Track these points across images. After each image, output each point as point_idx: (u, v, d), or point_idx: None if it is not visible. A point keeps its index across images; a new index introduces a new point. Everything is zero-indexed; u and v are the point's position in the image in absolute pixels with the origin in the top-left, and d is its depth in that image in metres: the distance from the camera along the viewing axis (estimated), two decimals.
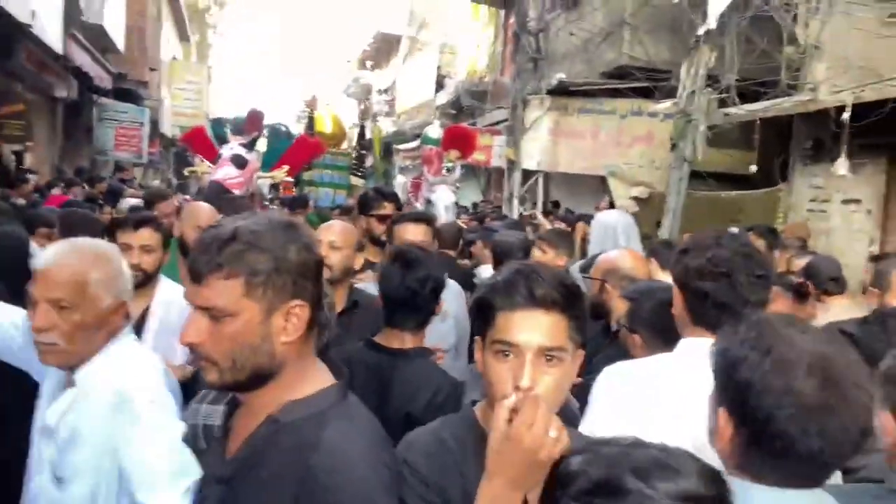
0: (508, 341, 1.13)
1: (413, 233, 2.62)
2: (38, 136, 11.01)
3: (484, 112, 14.32)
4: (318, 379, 1.17)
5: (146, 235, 2.40)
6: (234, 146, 4.36)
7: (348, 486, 1.06)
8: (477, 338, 1.21)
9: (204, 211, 3.12)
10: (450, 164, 5.95)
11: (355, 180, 10.95)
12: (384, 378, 1.76)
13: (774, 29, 6.65)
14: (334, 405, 1.13)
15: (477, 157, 12.72)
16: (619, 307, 1.81)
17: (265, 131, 5.48)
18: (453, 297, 2.71)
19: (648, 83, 8.41)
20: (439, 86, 18.71)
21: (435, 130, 7.95)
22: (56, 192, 6.75)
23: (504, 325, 1.14)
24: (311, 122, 13.23)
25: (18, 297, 2.06)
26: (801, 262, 3.84)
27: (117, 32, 12.77)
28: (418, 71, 21.59)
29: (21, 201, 6.15)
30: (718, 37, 5.92)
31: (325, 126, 13.30)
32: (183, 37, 24.52)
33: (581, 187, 10.50)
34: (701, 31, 5.62)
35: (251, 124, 5.01)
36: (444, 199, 4.97)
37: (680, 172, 6.10)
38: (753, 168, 6.47)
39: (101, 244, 1.61)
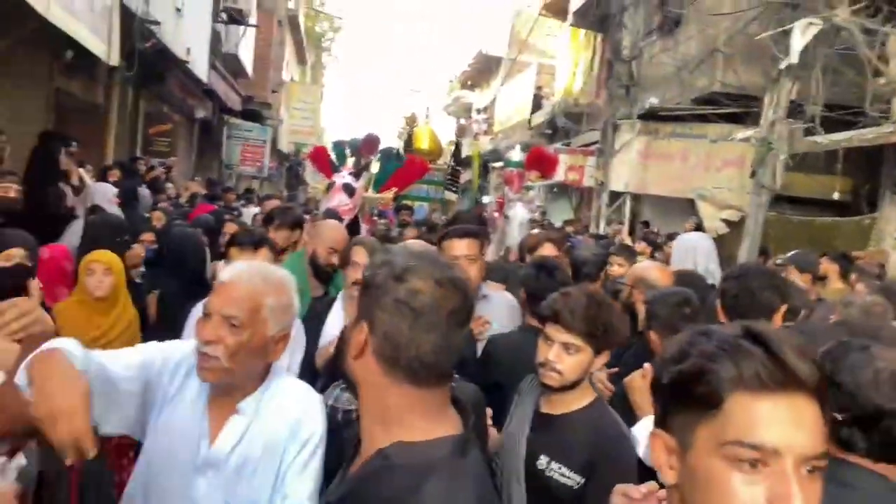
0: (759, 444, 0.78)
1: (458, 248, 2.55)
2: (180, 152, 12.63)
3: (578, 133, 14.73)
4: (435, 426, 1.06)
5: (264, 255, 2.66)
6: (345, 175, 5.02)
7: None
8: (659, 430, 0.89)
9: (335, 230, 3.35)
10: (530, 184, 6.51)
11: (449, 195, 11.68)
12: None
13: (862, 60, 6.76)
14: (447, 459, 1.03)
15: (570, 176, 13.20)
16: (642, 311, 2.34)
17: (378, 154, 6.18)
18: (506, 309, 2.85)
19: (739, 109, 8.60)
20: (536, 106, 19.22)
21: (517, 154, 8.54)
22: (201, 202, 7.90)
23: (747, 417, 0.79)
24: (409, 137, 14.11)
25: (193, 296, 2.58)
26: (861, 287, 4.11)
27: (247, 59, 14.34)
28: (516, 91, 22.22)
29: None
30: (802, 69, 6.16)
31: (422, 142, 14.13)
32: (301, 60, 26.54)
33: (672, 209, 10.70)
34: (783, 66, 5.90)
35: (367, 148, 5.78)
36: (519, 216, 5.47)
37: (759, 198, 6.35)
38: (836, 195, 6.59)
39: (283, 273, 1.61)
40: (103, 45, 4.84)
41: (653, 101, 10.15)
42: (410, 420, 1.05)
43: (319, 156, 6.08)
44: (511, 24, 24.86)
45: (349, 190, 4.83)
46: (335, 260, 3.05)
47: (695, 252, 4.77)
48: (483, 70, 28.86)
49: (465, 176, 17.96)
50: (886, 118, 6.46)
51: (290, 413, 1.54)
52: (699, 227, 8.79)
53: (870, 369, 1.29)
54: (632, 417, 1.93)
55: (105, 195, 5.55)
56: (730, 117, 9.18)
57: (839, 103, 6.92)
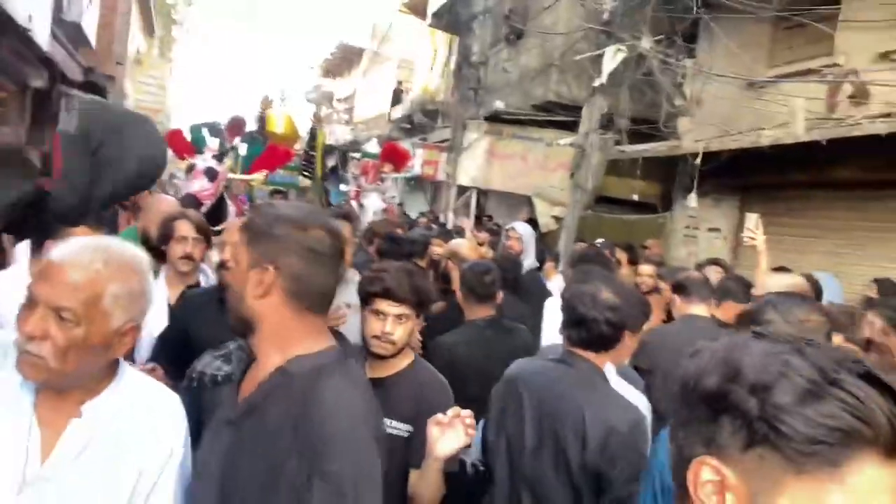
0: None
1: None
2: (10, 122, 11.65)
3: (434, 129, 15.52)
4: (322, 341, 1.28)
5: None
6: (207, 158, 5.13)
7: (337, 435, 1.16)
8: (713, 462, 0.68)
9: (168, 205, 3.38)
10: (384, 176, 7.07)
11: (304, 181, 11.89)
12: None
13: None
14: (335, 363, 1.26)
15: (426, 170, 13.93)
16: (455, 277, 3.00)
17: (244, 137, 6.27)
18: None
19: (569, 118, 9.76)
20: (396, 100, 19.80)
21: (373, 146, 9.04)
22: None
23: (874, 489, 0.63)
24: (262, 120, 14.06)
25: None
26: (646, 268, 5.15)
27: (90, 29, 13.47)
28: (377, 83, 22.67)
29: None
30: (612, 88, 7.28)
31: (276, 126, 14.12)
32: (149, 32, 25.00)
33: (513, 204, 11.77)
34: (596, 84, 6.96)
35: (233, 130, 5.93)
36: (373, 205, 6.00)
37: (576, 197, 7.42)
38: (636, 197, 7.85)
39: (132, 252, 1.31)
40: None
41: (498, 104, 11.11)
42: (306, 340, 1.26)
43: (176, 138, 6.16)
44: (373, 17, 25.20)
45: (211, 174, 4.95)
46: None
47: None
48: (344, 60, 28.95)
49: (330, 162, 18.12)
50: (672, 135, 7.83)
51: (144, 421, 1.30)
52: (532, 221, 9.89)
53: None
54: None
55: None
56: (563, 124, 10.36)
57: (644, 118, 8.21)
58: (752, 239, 4.22)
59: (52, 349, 1.17)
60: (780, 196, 6.82)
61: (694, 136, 7.11)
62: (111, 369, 1.31)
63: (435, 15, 15.10)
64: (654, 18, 7.38)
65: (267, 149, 6.65)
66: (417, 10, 17.58)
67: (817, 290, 3.80)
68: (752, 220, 4.29)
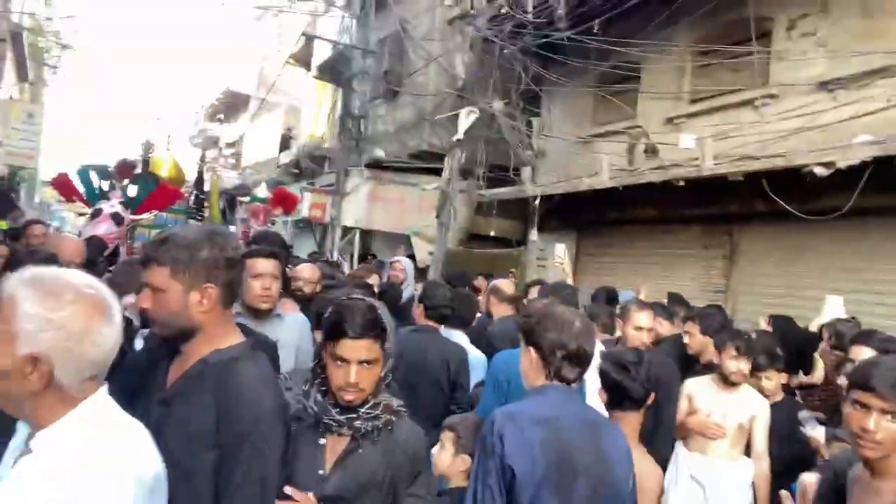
0: None
1: (264, 266, 2.88)
2: None
3: (321, 174, 16.40)
4: (235, 338, 1.65)
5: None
6: (114, 203, 5.68)
7: (249, 406, 1.52)
8: None
9: (76, 243, 3.77)
10: (274, 219, 7.85)
11: (192, 223, 12.32)
12: None
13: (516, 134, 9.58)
14: (245, 354, 1.62)
15: (314, 213, 14.73)
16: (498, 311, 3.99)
17: (134, 178, 6.63)
18: (298, 328, 3.14)
19: (439, 165, 11.07)
20: (284, 145, 20.47)
21: (262, 191, 9.80)
22: None
23: None
24: (146, 164, 14.30)
25: None
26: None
27: None
28: (265, 129, 23.21)
29: None
30: (469, 142, 8.62)
31: (162, 170, 14.39)
32: (22, 77, 24.25)
33: (395, 243, 12.85)
34: (454, 139, 8.27)
35: (123, 173, 6.41)
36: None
37: (441, 235, 8.63)
38: (492, 233, 9.19)
39: (75, 277, 1.22)
40: None
41: (379, 152, 12.27)
42: (225, 335, 1.62)
43: (65, 184, 6.56)
44: (260, 66, 25.80)
45: (117, 219, 5.49)
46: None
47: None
48: (231, 105, 29.19)
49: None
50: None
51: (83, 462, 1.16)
52: (411, 257, 11.02)
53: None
54: None
55: None
56: (435, 171, 11.63)
57: (501, 165, 9.62)
58: (561, 264, 5.52)
59: None
60: (601, 231, 8.38)
61: (538, 182, 8.56)
62: (64, 403, 1.19)
63: (319, 68, 16.18)
64: (503, 85, 8.84)
65: (159, 187, 7.00)
66: (303, 61, 18.55)
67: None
68: (560, 249, 5.61)
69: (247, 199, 18.16)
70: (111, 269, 5.28)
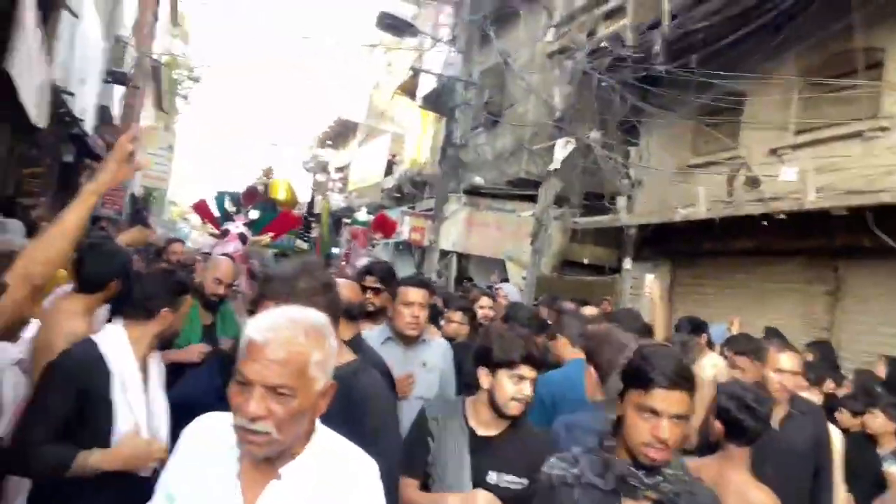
0: None
1: (413, 295, 3.10)
2: (40, 192, 13.08)
3: (422, 198, 17.08)
4: (349, 356, 2.01)
5: None
6: (239, 225, 6.35)
7: (376, 406, 1.91)
8: None
9: (224, 264, 3.85)
10: (374, 242, 8.39)
11: (300, 244, 13.26)
12: None
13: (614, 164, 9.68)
14: (362, 368, 2.01)
15: (413, 236, 15.39)
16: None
17: (256, 204, 7.34)
18: (441, 352, 3.35)
19: (537, 192, 11.32)
20: (388, 171, 21.47)
21: (363, 215, 10.39)
22: None
23: None
24: (265, 188, 15.51)
25: None
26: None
27: (116, 108, 15.15)
28: (371, 155, 24.38)
29: None
30: (566, 170, 8.84)
31: (278, 192, 15.58)
32: (158, 106, 26.93)
33: (490, 267, 13.20)
34: (550, 168, 8.52)
35: (248, 198, 7.11)
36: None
37: (534, 261, 8.85)
38: (586, 260, 9.29)
39: (318, 317, 1.37)
40: (36, 109, 6.09)
41: (478, 179, 12.70)
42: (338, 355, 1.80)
43: (202, 208, 7.38)
44: (369, 95, 27.20)
45: (243, 238, 6.17)
46: (221, 290, 3.71)
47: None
48: (341, 132, 30.91)
49: (317, 230, 19.57)
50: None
51: (344, 484, 1.36)
52: (505, 281, 11.29)
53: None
54: None
55: (16, 228, 6.61)
56: (532, 197, 11.90)
57: (597, 192, 9.74)
58: (650, 294, 5.59)
59: (275, 424, 1.24)
60: (696, 261, 8.28)
61: (635, 211, 8.62)
62: (307, 432, 1.36)
63: (424, 98, 16.94)
64: (601, 116, 9.01)
65: (280, 215, 7.68)
66: (409, 92, 19.47)
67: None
68: (650, 280, 5.67)
69: (350, 220, 19.21)
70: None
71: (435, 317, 4.38)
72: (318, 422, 1.39)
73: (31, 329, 2.49)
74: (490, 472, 2.13)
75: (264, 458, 1.30)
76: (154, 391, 2.26)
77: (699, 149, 8.81)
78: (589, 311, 6.83)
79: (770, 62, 7.28)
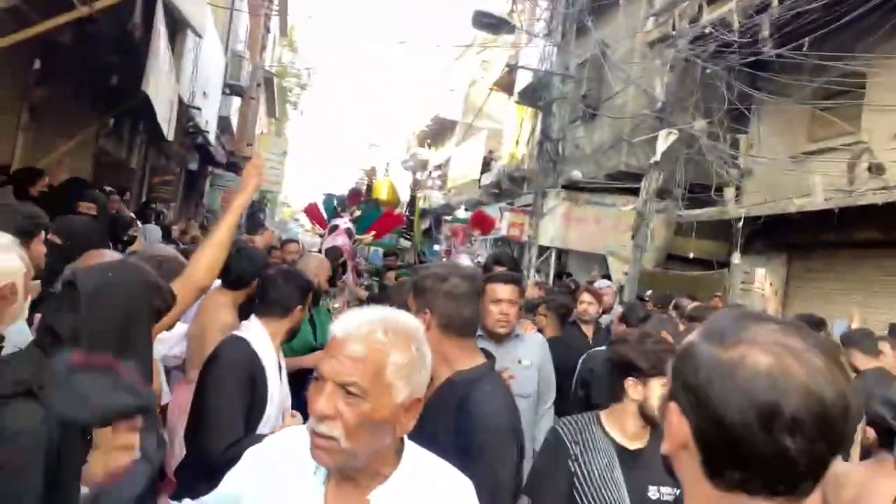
0: None
1: (503, 292, 2.98)
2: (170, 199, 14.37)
3: (520, 194, 17.10)
4: (476, 359, 1.92)
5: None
6: (346, 222, 6.87)
7: (486, 421, 1.76)
8: None
9: (319, 260, 4.27)
10: (473, 239, 8.57)
11: (403, 243, 13.67)
12: None
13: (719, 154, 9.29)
14: (486, 374, 1.90)
15: (512, 232, 15.46)
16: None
17: (360, 204, 7.86)
18: (537, 347, 3.36)
19: (638, 185, 11.06)
20: (486, 167, 21.61)
21: (462, 213, 10.62)
22: None
23: None
24: (369, 188, 16.14)
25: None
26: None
27: (234, 118, 16.32)
28: (469, 152, 24.64)
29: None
30: (668, 162, 8.59)
31: (381, 193, 16.17)
32: (271, 114, 28.57)
33: (590, 262, 13.02)
34: (651, 160, 8.31)
35: (352, 199, 7.64)
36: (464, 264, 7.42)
37: (636, 256, 8.67)
38: (691, 255, 8.97)
39: (408, 319, 1.26)
40: (167, 125, 6.76)
41: (576, 174, 12.57)
42: (461, 358, 1.87)
43: (313, 211, 7.99)
44: (466, 92, 27.47)
45: (350, 233, 6.63)
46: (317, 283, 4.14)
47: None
48: (439, 131, 31.45)
49: (424, 225, 20.01)
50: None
51: None
52: (606, 277, 11.12)
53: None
54: None
55: (154, 234, 7.37)
56: (632, 190, 11.62)
57: (702, 183, 9.38)
58: (761, 289, 5.39)
59: (343, 427, 1.13)
60: (814, 254, 7.79)
61: (746, 202, 8.24)
62: (397, 451, 1.25)
63: (520, 94, 16.93)
64: (705, 105, 8.69)
65: (384, 214, 8.13)
66: (505, 88, 19.49)
67: None
68: (760, 274, 5.47)
69: (449, 218, 19.53)
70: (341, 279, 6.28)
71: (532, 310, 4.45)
72: (407, 440, 1.29)
73: (181, 327, 2.86)
74: (650, 487, 2.04)
75: (338, 470, 1.19)
76: (284, 382, 2.51)
77: (815, 135, 8.29)
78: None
79: (892, 40, 6.73)
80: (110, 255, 2.70)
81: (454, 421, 1.78)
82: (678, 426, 0.83)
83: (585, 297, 4.87)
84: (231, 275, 3.02)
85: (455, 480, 1.32)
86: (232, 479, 1.29)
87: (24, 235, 2.39)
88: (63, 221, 3.79)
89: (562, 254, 13.48)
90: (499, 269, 3.52)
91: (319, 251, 7.00)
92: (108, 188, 7.52)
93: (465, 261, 7.49)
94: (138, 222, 7.54)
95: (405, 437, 1.28)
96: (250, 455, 1.30)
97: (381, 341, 1.17)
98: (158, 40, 5.37)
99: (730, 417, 0.75)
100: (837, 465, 2.59)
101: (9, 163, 6.17)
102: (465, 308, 1.91)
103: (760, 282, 5.30)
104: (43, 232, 2.77)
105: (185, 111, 8.43)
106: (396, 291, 3.77)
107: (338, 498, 1.22)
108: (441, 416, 1.78)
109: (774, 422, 0.73)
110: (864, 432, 2.36)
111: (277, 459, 1.27)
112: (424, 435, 1.74)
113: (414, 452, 1.29)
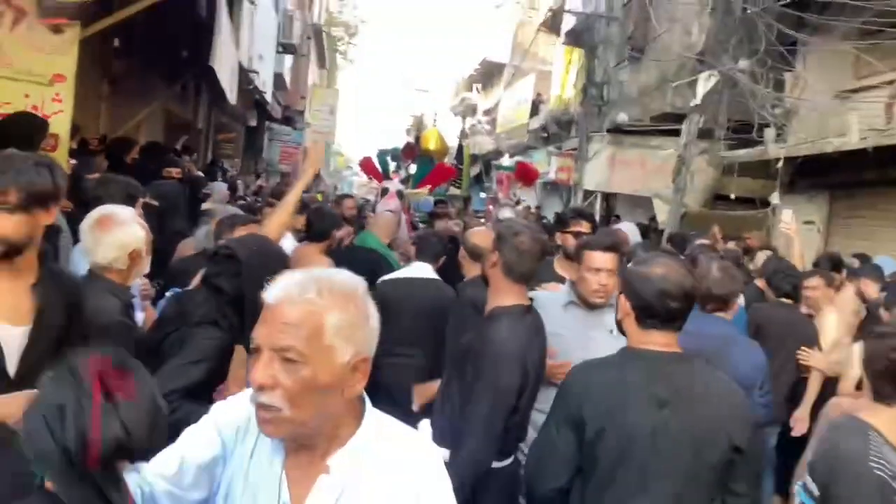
0: None
1: (601, 261, 2.72)
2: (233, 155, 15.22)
3: (568, 138, 17.20)
4: (518, 300, 2.34)
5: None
6: (396, 183, 7.29)
7: (493, 343, 2.21)
8: None
9: (394, 221, 5.29)
10: (516, 191, 8.89)
11: (453, 190, 14.11)
12: None
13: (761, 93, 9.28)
14: (514, 313, 2.29)
15: (560, 176, 15.69)
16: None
17: (416, 158, 8.25)
18: None
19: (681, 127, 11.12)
20: (534, 111, 21.60)
21: (506, 161, 10.92)
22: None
23: None
24: (417, 139, 16.53)
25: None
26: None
27: (287, 73, 16.89)
28: (517, 96, 24.56)
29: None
30: (710, 104, 8.70)
31: (430, 143, 16.54)
32: (321, 65, 29.02)
33: (638, 205, 13.21)
34: (692, 104, 8.45)
35: (407, 154, 8.06)
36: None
37: (676, 198, 8.91)
38: (732, 195, 9.14)
39: (345, 277, 1.18)
40: (230, 91, 7.39)
41: (622, 117, 12.65)
42: (507, 298, 2.33)
43: (368, 165, 8.45)
44: (513, 34, 27.10)
45: (401, 195, 7.09)
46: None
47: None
48: (487, 74, 31.26)
49: (474, 171, 20.26)
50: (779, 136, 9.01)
51: (401, 474, 1.17)
52: (653, 219, 11.37)
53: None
54: None
55: (221, 192, 8.08)
56: (678, 132, 11.66)
57: (746, 121, 9.41)
58: (788, 229, 5.68)
59: (284, 396, 1.07)
60: (856, 193, 7.89)
61: (790, 141, 8.32)
62: (355, 414, 1.20)
63: (568, 34, 16.79)
64: (750, 46, 8.67)
65: (436, 167, 8.53)
66: (552, 27, 19.26)
67: None
68: (788, 214, 5.74)
69: (497, 165, 19.79)
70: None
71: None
72: (369, 404, 1.22)
73: None
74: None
75: (293, 440, 1.15)
76: None
77: (862, 71, 8.21)
78: (731, 246, 7.05)
79: None
80: (253, 226, 3.34)
81: (477, 338, 2.27)
82: (623, 304, 1.92)
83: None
84: (313, 230, 3.94)
85: (421, 447, 1.26)
86: (192, 438, 1.23)
87: (130, 201, 3.04)
88: (156, 187, 4.52)
89: (609, 197, 13.70)
90: (584, 225, 3.42)
91: (373, 210, 7.44)
92: (179, 149, 8.27)
93: (507, 214, 7.90)
94: (207, 180, 8.27)
95: (366, 400, 1.22)
96: (214, 415, 1.25)
97: (315, 302, 1.10)
98: (221, 14, 5.91)
99: (646, 297, 1.84)
100: (843, 400, 3.01)
101: (95, 131, 6.95)
102: (527, 262, 2.33)
103: (787, 221, 5.59)
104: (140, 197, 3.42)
105: (244, 75, 9.04)
106: (430, 239, 4.24)
107: (297, 464, 1.17)
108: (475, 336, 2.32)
109: (664, 297, 1.82)
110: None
111: (240, 423, 1.22)
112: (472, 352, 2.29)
113: (375, 416, 1.22)
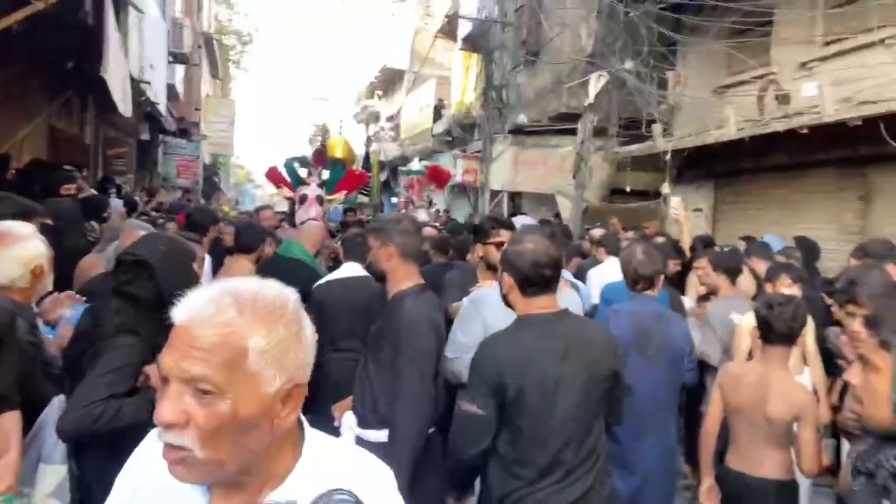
0: None
1: None
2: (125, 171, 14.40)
3: (472, 141, 17.58)
4: (412, 281, 2.58)
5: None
6: (314, 188, 6.96)
7: (405, 313, 2.44)
8: None
9: (320, 229, 5.23)
10: (428, 194, 9.04)
11: (361, 198, 14.09)
12: None
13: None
14: (416, 291, 2.54)
15: (466, 178, 16.01)
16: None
17: (327, 165, 8.01)
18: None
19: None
20: (437, 116, 21.91)
21: (416, 165, 11.07)
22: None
23: None
24: (323, 147, 16.42)
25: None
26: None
27: (179, 84, 16.21)
28: (419, 101, 24.81)
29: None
30: (604, 103, 9.20)
31: (336, 151, 16.46)
32: (214, 75, 28.05)
33: (543, 203, 13.73)
34: (585, 103, 8.91)
35: (318, 160, 7.83)
36: (421, 219, 7.86)
37: (577, 193, 9.36)
38: (628, 188, 9.72)
39: (274, 290, 0.97)
40: (122, 103, 7.02)
41: (522, 118, 13.10)
42: (403, 281, 2.57)
43: (275, 174, 8.21)
44: (412, 41, 27.35)
45: (320, 200, 6.89)
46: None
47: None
48: (388, 81, 31.34)
49: (382, 177, 20.20)
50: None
51: None
52: (557, 215, 11.84)
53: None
54: None
55: (119, 209, 7.67)
56: (574, 131, 12.23)
57: (636, 119, 10.04)
58: (677, 214, 6.11)
59: (196, 434, 0.88)
60: (737, 180, 8.61)
61: (675, 135, 8.97)
62: (292, 442, 0.99)
63: (464, 40, 17.19)
64: (634, 47, 9.26)
65: (348, 173, 8.37)
66: (449, 34, 19.62)
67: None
68: (676, 201, 6.18)
69: (405, 169, 19.91)
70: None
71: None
72: (308, 429, 1.03)
73: None
74: None
75: (216, 484, 0.96)
76: None
77: (735, 68, 8.98)
78: (629, 236, 7.51)
79: None
80: (142, 228, 3.21)
81: (387, 327, 2.46)
82: (507, 280, 2.18)
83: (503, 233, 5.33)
84: (241, 244, 4.09)
85: (370, 470, 1.06)
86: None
87: (23, 220, 2.86)
88: (52, 204, 4.26)
89: (515, 196, 14.12)
90: (504, 234, 3.24)
91: (292, 218, 7.19)
92: (67, 167, 7.76)
93: (422, 216, 7.98)
94: (106, 199, 7.81)
95: (304, 425, 1.03)
96: (130, 459, 1.08)
97: (234, 322, 0.90)
98: (108, 23, 5.64)
99: (523, 269, 2.13)
100: (733, 366, 3.22)
101: None
102: (414, 241, 2.61)
103: (675, 207, 6.00)
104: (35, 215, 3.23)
105: (136, 86, 8.63)
106: (355, 242, 4.29)
107: None
108: (390, 320, 2.49)
109: (538, 266, 2.12)
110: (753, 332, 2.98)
111: (156, 463, 0.95)
112: (385, 330, 2.50)
113: (316, 443, 1.03)
